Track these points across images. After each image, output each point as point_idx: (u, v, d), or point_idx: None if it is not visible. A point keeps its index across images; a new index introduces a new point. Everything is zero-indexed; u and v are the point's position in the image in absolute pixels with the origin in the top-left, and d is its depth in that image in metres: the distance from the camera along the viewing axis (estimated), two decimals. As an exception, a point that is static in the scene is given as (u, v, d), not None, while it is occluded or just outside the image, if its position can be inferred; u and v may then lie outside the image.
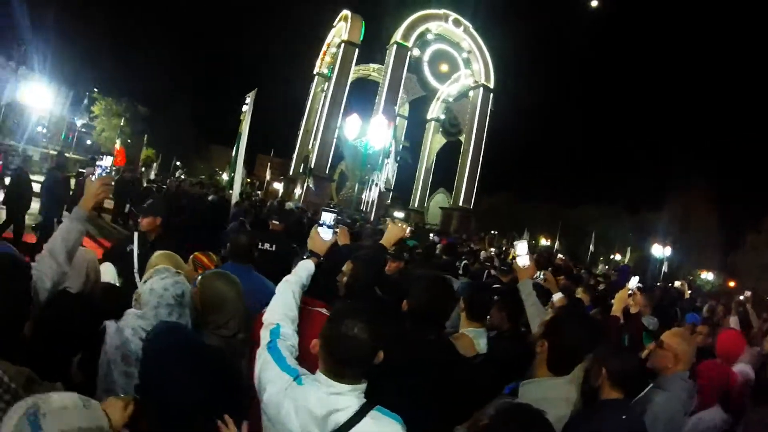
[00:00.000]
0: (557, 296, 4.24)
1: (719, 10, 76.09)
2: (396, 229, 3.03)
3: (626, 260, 42.38)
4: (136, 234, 4.27)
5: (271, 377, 1.84)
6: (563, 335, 2.26)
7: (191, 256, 4.11)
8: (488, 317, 3.37)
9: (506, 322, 3.55)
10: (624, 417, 2.29)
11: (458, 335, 2.94)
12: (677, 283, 16.51)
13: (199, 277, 2.63)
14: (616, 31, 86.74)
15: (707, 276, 46.86)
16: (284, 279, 2.31)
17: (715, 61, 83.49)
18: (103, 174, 2.68)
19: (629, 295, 3.94)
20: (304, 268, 2.37)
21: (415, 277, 3.56)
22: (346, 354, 1.74)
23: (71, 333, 2.23)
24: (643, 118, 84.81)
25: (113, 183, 2.78)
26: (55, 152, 21.60)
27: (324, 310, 2.39)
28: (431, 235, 15.46)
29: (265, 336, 2.01)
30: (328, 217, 2.58)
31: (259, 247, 5.62)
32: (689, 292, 11.15)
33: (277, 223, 6.67)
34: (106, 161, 2.79)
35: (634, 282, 4.08)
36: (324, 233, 2.53)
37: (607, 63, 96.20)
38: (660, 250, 33.08)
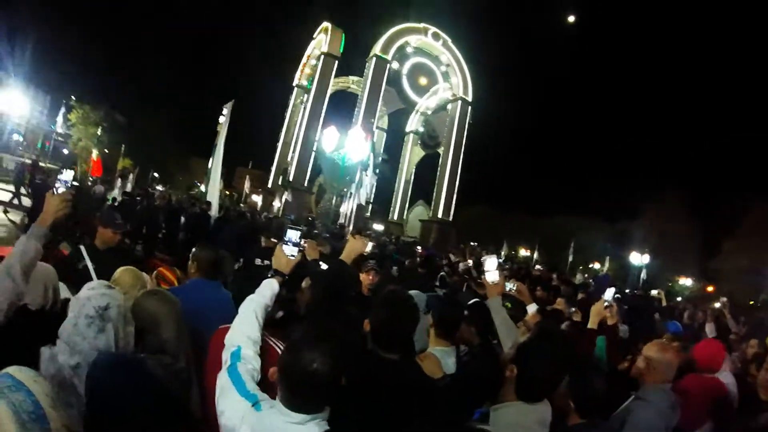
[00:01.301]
0: (531, 308, 4.14)
1: (688, 24, 77.83)
2: (356, 243, 2.91)
3: (605, 269, 42.59)
4: (82, 247, 4.06)
5: (230, 402, 1.79)
6: (533, 365, 2.15)
7: (155, 271, 4.00)
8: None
9: (476, 337, 3.42)
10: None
11: (424, 355, 2.81)
12: (653, 293, 16.58)
13: (138, 295, 2.52)
14: (591, 45, 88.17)
15: (685, 282, 47.41)
16: (248, 298, 2.24)
17: (687, 71, 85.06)
18: (65, 188, 2.60)
19: (606, 308, 3.83)
20: (268, 287, 2.31)
21: (378, 294, 3.40)
22: (304, 388, 1.67)
23: (32, 351, 2.05)
24: (619, 129, 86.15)
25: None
26: (30, 161, 21.23)
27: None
28: (418, 248, 15.32)
29: (226, 359, 1.96)
30: (292, 235, 2.53)
31: (256, 263, 5.52)
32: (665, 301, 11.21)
33: (273, 240, 6.23)
34: (67, 175, 2.72)
35: (609, 294, 3.97)
36: (288, 251, 2.48)
37: (583, 75, 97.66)
38: (638, 258, 33.35)
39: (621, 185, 66.28)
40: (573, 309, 6.06)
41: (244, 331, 2.06)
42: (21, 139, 42.12)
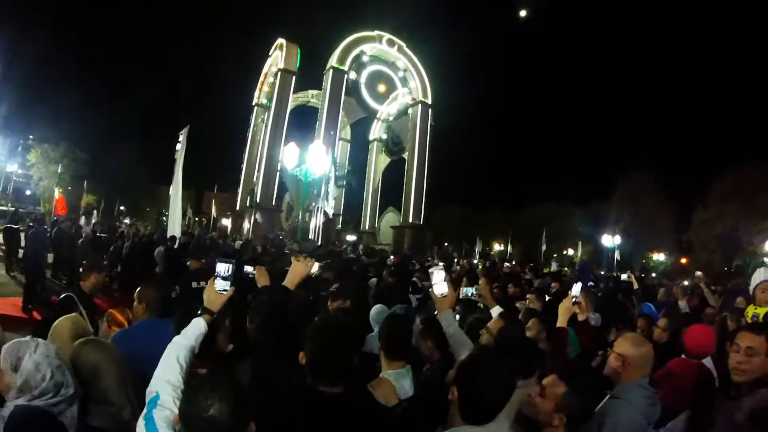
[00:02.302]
0: (495, 312, 3.97)
1: (646, 6, 79.58)
2: (299, 266, 2.70)
3: (579, 254, 43.01)
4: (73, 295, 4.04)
5: None
6: (475, 385, 1.98)
7: (106, 313, 3.83)
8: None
9: (435, 351, 3.21)
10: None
11: (377, 382, 2.55)
12: (623, 276, 16.57)
13: (75, 344, 2.45)
14: (551, 33, 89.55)
15: (659, 257, 48.06)
16: (172, 341, 2.16)
17: (647, 52, 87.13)
18: None
19: (574, 303, 3.65)
20: (195, 327, 2.23)
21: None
22: None
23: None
24: (580, 114, 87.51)
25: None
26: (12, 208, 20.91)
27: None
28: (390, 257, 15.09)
29: (146, 406, 1.89)
30: (222, 269, 2.39)
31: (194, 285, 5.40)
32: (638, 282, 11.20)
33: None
34: None
35: (576, 289, 3.80)
36: (220, 286, 2.36)
37: (542, 65, 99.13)
38: (610, 240, 33.64)
39: (588, 170, 67.42)
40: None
41: (163, 377, 1.98)
42: None
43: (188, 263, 8.21)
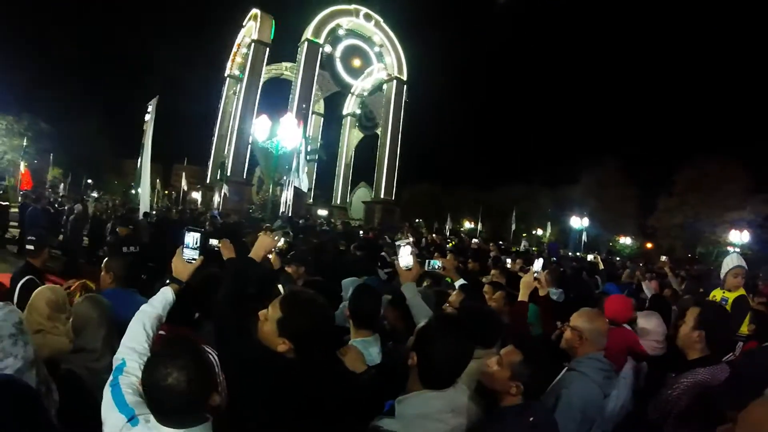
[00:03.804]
0: (458, 284, 4.10)
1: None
2: (265, 240, 2.71)
3: (547, 235, 43.71)
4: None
5: (108, 417, 1.75)
6: (432, 350, 2.05)
7: (78, 284, 3.84)
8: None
9: (401, 321, 3.32)
10: (531, 419, 2.11)
11: (345, 349, 2.63)
12: (590, 257, 17.03)
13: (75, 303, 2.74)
14: (526, 17, 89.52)
15: (625, 241, 49.33)
16: (139, 309, 2.20)
17: (617, 39, 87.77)
18: None
19: (535, 279, 3.79)
20: (162, 296, 2.27)
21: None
22: (162, 404, 1.62)
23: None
24: (555, 99, 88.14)
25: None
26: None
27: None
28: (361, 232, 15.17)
29: (112, 373, 1.92)
30: (191, 238, 2.43)
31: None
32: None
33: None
34: None
35: (538, 264, 3.95)
36: (188, 255, 2.41)
37: (518, 47, 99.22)
38: (578, 222, 34.31)
39: (559, 153, 68.21)
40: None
41: (129, 344, 2.02)
42: None
43: (117, 230, 9.35)
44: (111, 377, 1.89)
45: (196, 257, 2.42)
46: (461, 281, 4.15)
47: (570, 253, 27.66)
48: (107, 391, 1.83)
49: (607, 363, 2.79)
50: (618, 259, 28.41)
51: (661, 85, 78.12)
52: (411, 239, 12.43)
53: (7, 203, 14.52)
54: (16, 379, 1.95)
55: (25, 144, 36.53)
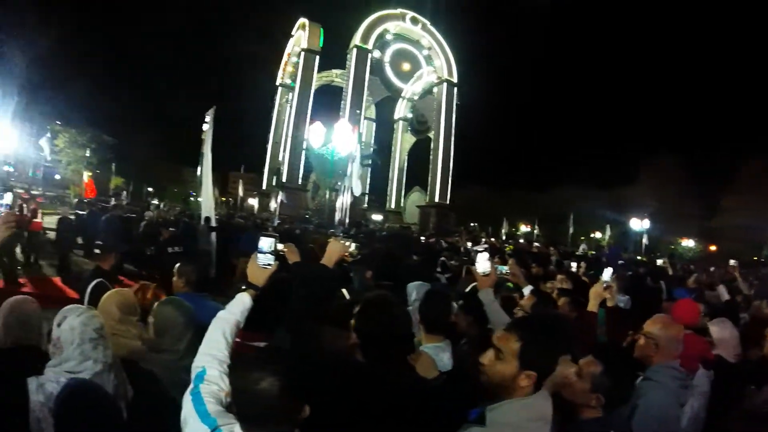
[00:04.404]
0: (526, 290, 4.05)
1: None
2: (337, 246, 2.75)
3: (606, 237, 42.55)
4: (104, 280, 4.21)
5: (190, 426, 1.69)
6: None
7: (149, 290, 3.91)
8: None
9: (474, 327, 3.29)
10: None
11: (416, 355, 2.59)
12: (659, 262, 16.49)
13: (156, 304, 2.76)
14: (578, 13, 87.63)
15: (688, 243, 47.43)
16: (216, 316, 2.13)
17: (675, 34, 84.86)
18: (2, 212, 2.53)
19: (605, 288, 3.70)
20: (240, 302, 2.19)
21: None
22: (253, 411, 1.57)
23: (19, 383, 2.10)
24: (608, 96, 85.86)
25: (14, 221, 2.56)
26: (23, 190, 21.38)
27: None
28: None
29: (192, 381, 1.86)
30: (266, 243, 2.36)
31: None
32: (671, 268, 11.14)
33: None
34: (6, 198, 2.66)
35: (607, 274, 3.85)
36: (263, 260, 2.33)
37: (569, 44, 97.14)
38: (638, 224, 33.27)
39: (616, 152, 66.18)
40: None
41: (208, 351, 1.98)
42: (12, 169, 42.22)
43: (161, 231, 9.99)
44: (192, 385, 1.85)
45: (272, 262, 2.36)
46: (529, 287, 4.11)
47: (630, 257, 26.84)
48: (188, 400, 1.79)
49: (683, 371, 2.69)
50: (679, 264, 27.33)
51: (721, 75, 74.79)
52: (486, 245, 12.37)
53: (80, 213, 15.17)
54: (91, 383, 2.02)
55: (88, 155, 38.29)
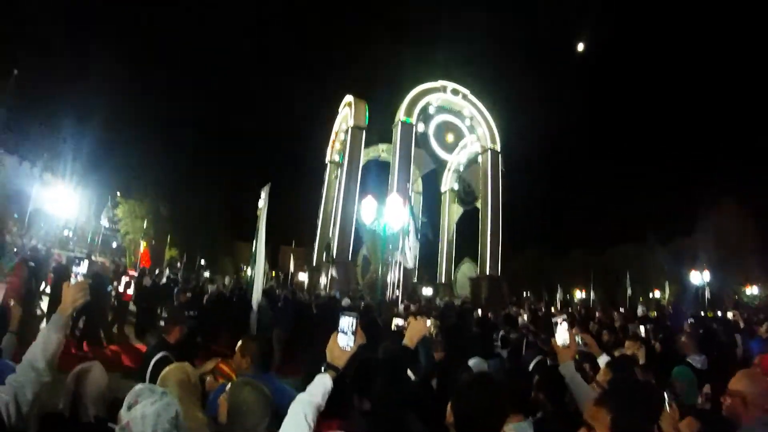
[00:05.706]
0: (602, 361, 4.03)
1: (716, 30, 77.11)
2: (418, 325, 2.83)
3: (666, 295, 40.88)
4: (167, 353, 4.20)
5: None
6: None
7: (214, 366, 4.04)
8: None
9: (548, 404, 3.30)
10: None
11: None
12: (729, 315, 15.80)
13: (229, 385, 2.63)
14: (618, 64, 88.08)
15: (752, 290, 44.87)
16: (297, 398, 2.12)
17: (717, 77, 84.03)
18: (79, 279, 2.60)
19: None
20: (320, 384, 2.15)
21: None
22: None
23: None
24: (655, 147, 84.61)
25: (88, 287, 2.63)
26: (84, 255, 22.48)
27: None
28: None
29: None
30: (346, 323, 2.29)
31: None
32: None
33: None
34: (83, 267, 2.70)
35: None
36: (344, 341, 2.27)
37: (608, 98, 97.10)
38: (698, 277, 31.84)
39: (668, 203, 64.53)
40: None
41: None
42: (71, 234, 44.70)
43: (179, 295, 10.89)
44: None
45: (352, 344, 2.27)
46: (604, 356, 4.09)
47: (695, 313, 25.63)
48: None
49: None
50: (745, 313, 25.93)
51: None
52: (565, 315, 12.15)
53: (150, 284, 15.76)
54: None
55: (145, 226, 40.00)
